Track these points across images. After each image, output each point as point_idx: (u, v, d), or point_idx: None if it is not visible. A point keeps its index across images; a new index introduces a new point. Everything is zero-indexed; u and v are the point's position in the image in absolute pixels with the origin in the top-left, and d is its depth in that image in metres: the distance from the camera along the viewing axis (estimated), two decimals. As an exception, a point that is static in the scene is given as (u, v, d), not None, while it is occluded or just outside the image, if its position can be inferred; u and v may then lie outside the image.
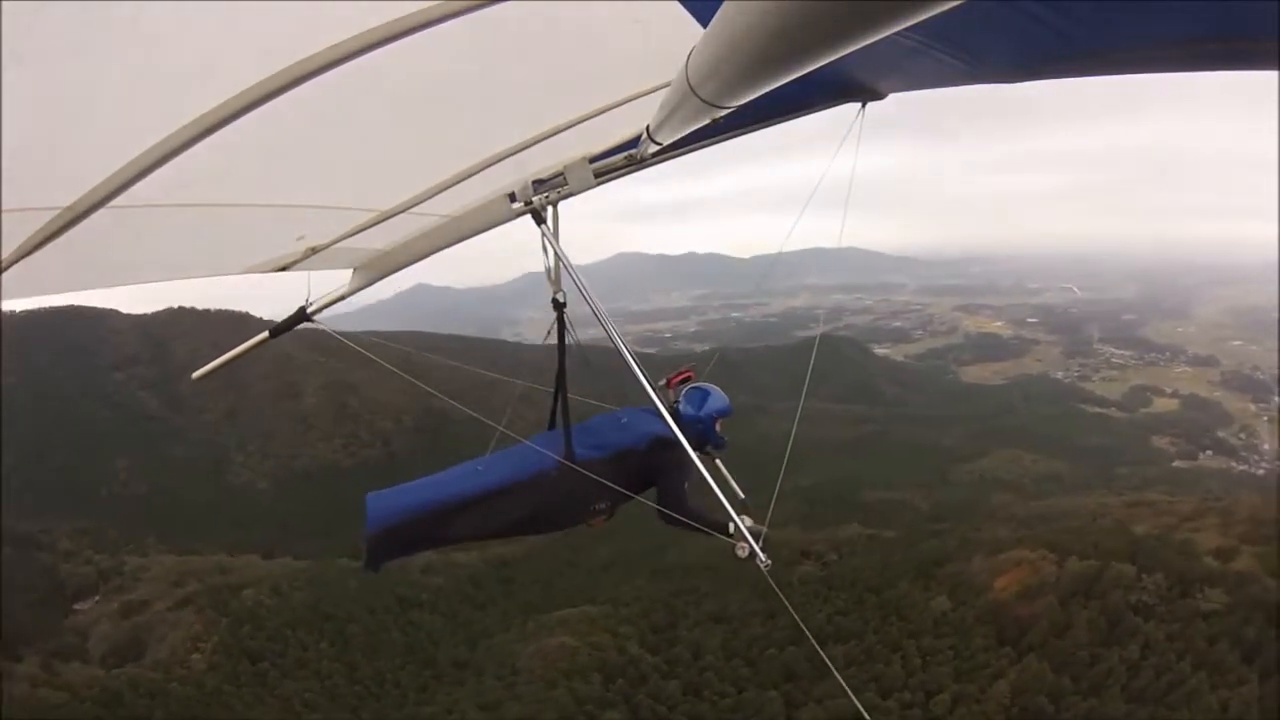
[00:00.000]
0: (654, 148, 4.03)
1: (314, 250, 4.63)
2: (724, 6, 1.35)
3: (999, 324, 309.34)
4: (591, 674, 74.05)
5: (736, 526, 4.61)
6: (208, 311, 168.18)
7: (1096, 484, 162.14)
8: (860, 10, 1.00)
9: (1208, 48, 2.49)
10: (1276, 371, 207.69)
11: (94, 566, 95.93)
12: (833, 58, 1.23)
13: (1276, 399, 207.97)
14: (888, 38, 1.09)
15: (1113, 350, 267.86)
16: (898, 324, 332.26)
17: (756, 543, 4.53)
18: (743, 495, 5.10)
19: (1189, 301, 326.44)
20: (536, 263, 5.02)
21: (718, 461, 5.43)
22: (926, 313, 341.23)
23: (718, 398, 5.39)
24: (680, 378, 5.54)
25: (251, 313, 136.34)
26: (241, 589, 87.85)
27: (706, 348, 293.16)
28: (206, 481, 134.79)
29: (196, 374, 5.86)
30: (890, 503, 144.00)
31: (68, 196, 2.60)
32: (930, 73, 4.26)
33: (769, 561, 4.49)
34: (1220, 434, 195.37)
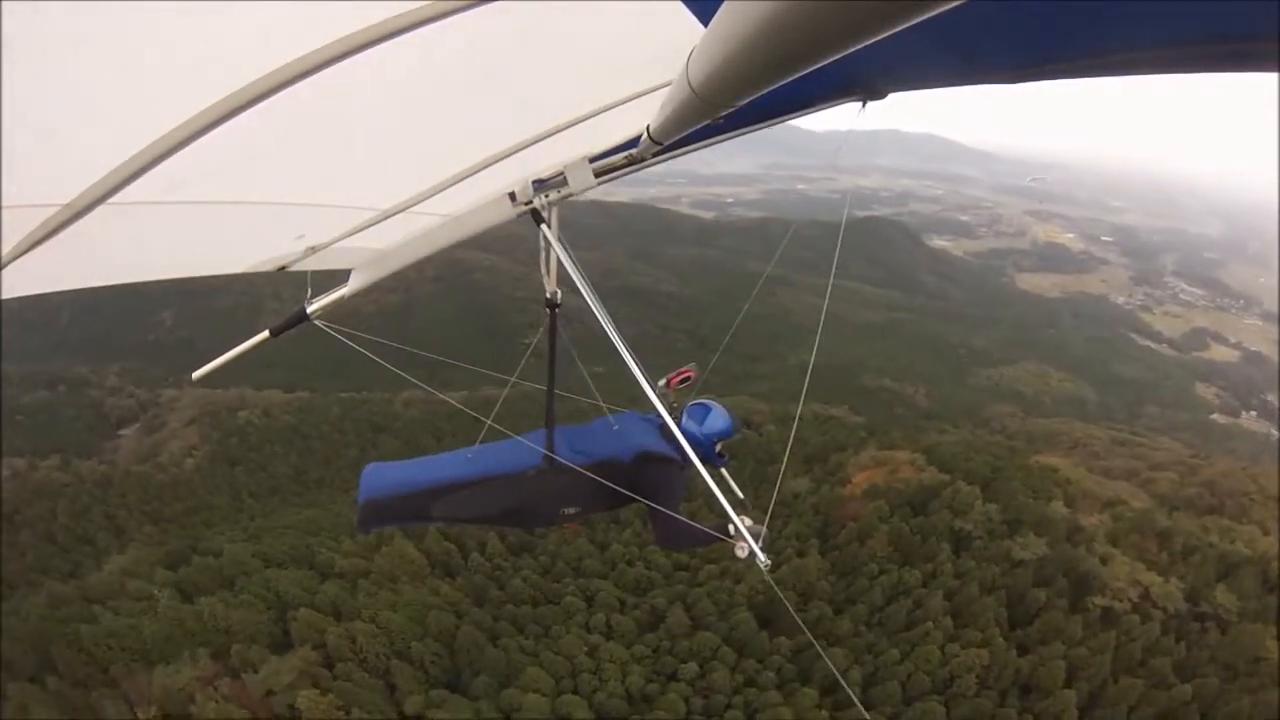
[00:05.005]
0: (654, 147, 3.74)
1: (314, 249, 4.62)
2: (724, 6, 1.31)
3: (1070, 236, 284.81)
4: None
5: (736, 527, 4.16)
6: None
7: (1119, 416, 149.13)
8: (860, 10, 0.96)
9: (1208, 49, 2.35)
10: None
11: (135, 400, 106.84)
12: (833, 58, 1.18)
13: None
14: (888, 37, 1.05)
15: (1183, 286, 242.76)
16: (964, 218, 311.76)
17: (756, 543, 4.06)
18: (741, 495, 4.79)
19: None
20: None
21: None
22: (995, 211, 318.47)
23: (719, 417, 5.12)
24: (680, 378, 5.11)
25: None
26: (239, 410, 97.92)
27: (760, 215, 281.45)
28: (243, 327, 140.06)
29: (196, 374, 5.79)
30: (887, 392, 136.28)
31: (67, 194, 2.57)
32: (931, 72, 3.90)
33: (769, 562, 4.05)
34: (1270, 397, 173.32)
